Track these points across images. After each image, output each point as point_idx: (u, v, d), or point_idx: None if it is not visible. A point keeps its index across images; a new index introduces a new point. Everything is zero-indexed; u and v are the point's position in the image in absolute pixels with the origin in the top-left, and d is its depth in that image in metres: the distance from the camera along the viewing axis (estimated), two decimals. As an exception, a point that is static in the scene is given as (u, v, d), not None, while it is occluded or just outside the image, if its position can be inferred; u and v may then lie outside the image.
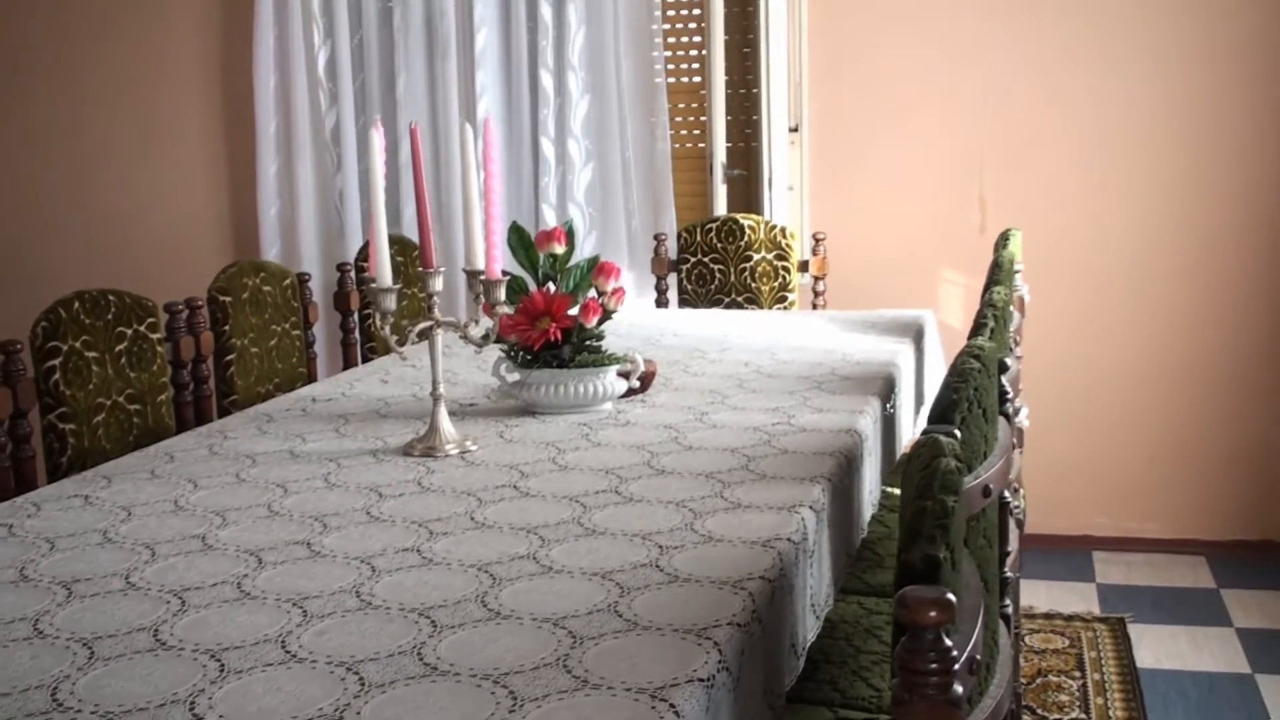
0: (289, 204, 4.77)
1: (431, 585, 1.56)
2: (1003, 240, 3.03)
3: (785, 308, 3.94)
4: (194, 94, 4.96)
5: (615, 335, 3.36)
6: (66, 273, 4.89)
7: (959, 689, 0.94)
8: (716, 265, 3.97)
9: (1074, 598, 4.00)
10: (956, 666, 0.94)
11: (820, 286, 3.99)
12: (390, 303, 2.13)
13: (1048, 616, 3.85)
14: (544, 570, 1.60)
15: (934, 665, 0.92)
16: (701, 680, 1.26)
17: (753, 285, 3.94)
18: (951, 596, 0.92)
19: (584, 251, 4.55)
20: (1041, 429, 4.27)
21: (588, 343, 2.47)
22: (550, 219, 4.53)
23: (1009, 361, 2.11)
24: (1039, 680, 3.41)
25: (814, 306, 3.98)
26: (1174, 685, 3.38)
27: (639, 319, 3.66)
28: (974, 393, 1.52)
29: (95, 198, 5.06)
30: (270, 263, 3.25)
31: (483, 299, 2.24)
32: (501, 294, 2.19)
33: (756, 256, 3.94)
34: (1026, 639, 3.67)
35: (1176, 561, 4.26)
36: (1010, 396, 1.84)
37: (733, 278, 3.95)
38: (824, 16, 4.36)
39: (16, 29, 5.02)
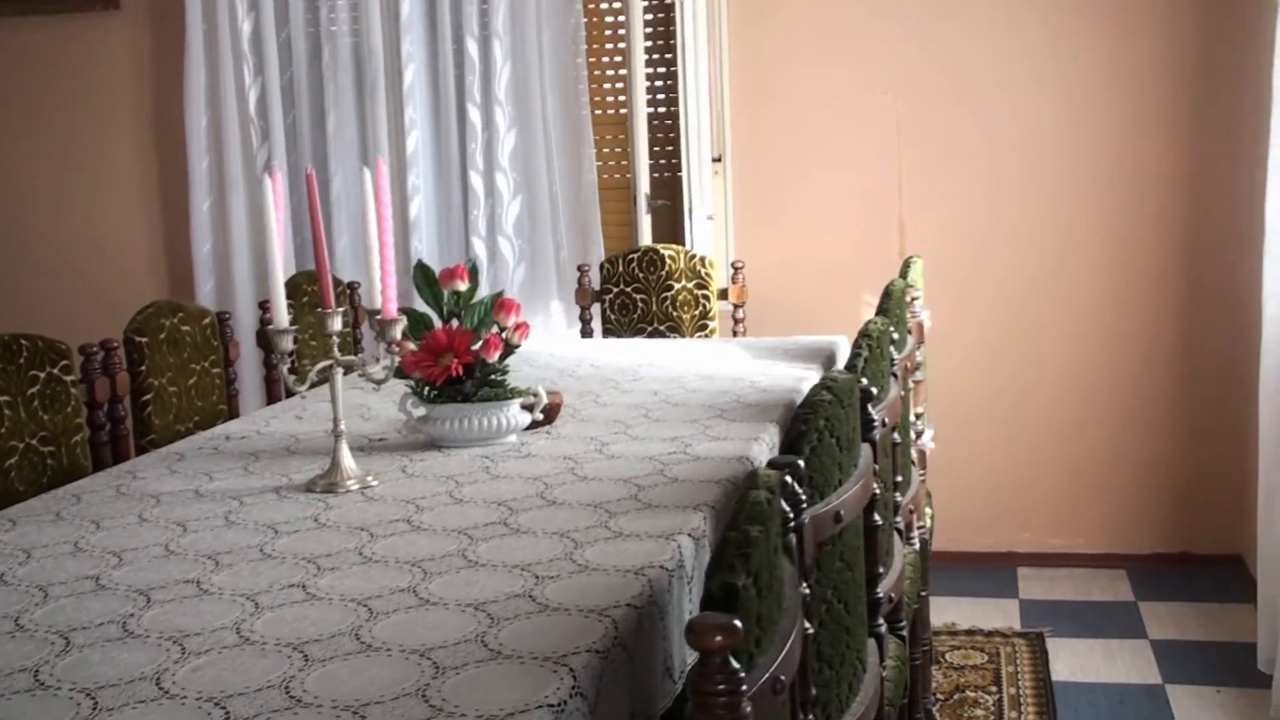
0: (222, 240, 4.82)
1: (310, 620, 1.62)
2: (904, 267, 3.11)
3: (706, 335, 4.02)
4: (126, 133, 5.00)
5: (534, 367, 3.43)
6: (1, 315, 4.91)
7: (747, 709, 1.00)
8: (639, 295, 4.05)
9: (997, 614, 4.08)
10: (745, 688, 1.00)
11: (740, 314, 4.07)
12: (287, 344, 2.19)
13: (969, 633, 3.93)
14: (421, 603, 1.66)
15: (722, 688, 0.99)
16: (552, 706, 1.32)
17: (674, 314, 4.02)
18: (738, 623, 0.98)
19: (515, 282, 4.62)
20: (964, 448, 4.36)
21: (491, 377, 2.54)
22: (480, 251, 4.59)
23: (892, 387, 2.19)
24: (956, 696, 3.49)
25: (734, 334, 4.06)
26: (1086, 697, 3.46)
27: (560, 350, 3.73)
28: (824, 423, 1.59)
29: (27, 241, 5.08)
30: (188, 303, 3.30)
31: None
32: (397, 332, 2.25)
33: (677, 286, 4.02)
34: (946, 655, 3.75)
35: (1098, 576, 4.35)
36: (877, 423, 1.91)
37: (654, 307, 4.03)
38: (744, 48, 4.46)
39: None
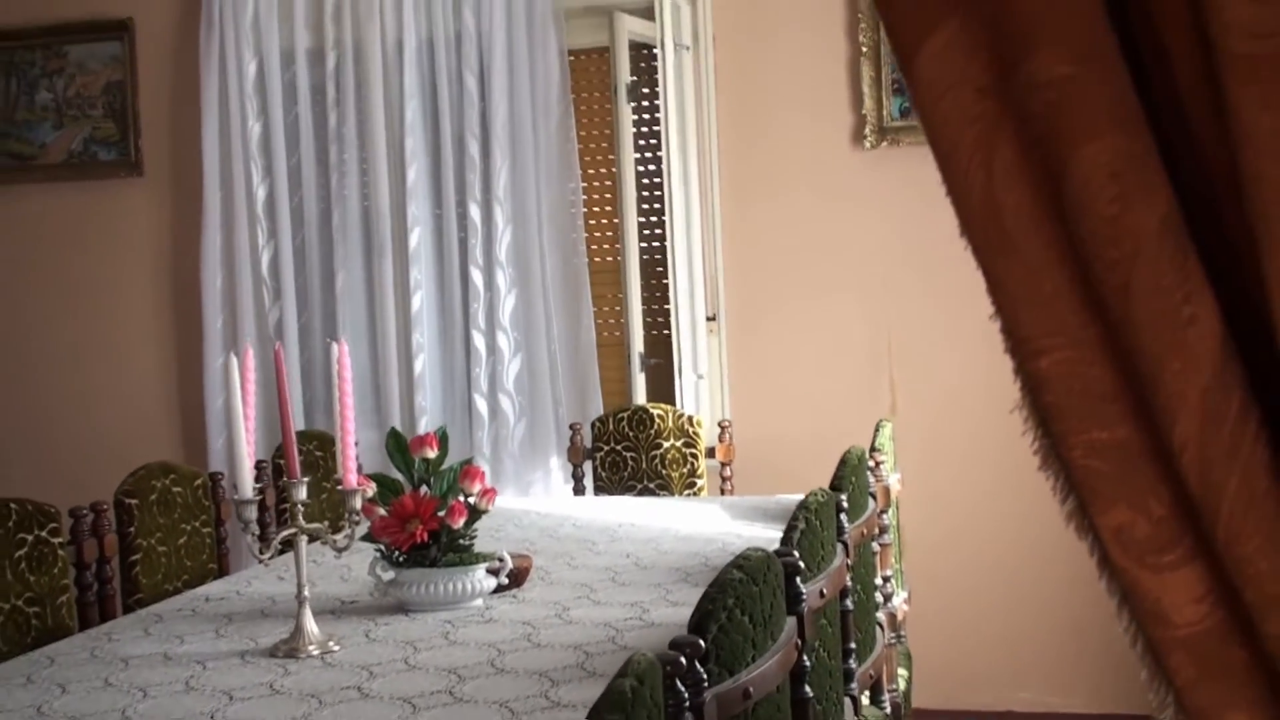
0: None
1: (240, 791, 1.67)
2: (876, 431, 3.19)
3: (694, 493, 4.09)
4: (145, 291, 5.19)
5: (518, 526, 3.51)
6: (15, 474, 5.05)
7: None
8: (629, 453, 4.13)
9: (991, 774, 4.04)
10: None
11: (727, 472, 4.14)
12: (251, 513, 2.29)
13: (961, 794, 3.89)
14: (350, 774, 1.72)
15: None
16: None
17: (663, 471, 4.09)
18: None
19: (515, 438, 4.72)
20: (961, 604, 4.37)
21: (456, 542, 2.61)
22: (482, 408, 4.70)
23: (837, 555, 2.25)
24: None
25: (722, 491, 4.12)
26: None
27: (547, 509, 3.80)
28: (734, 602, 1.65)
29: (46, 393, 5.24)
30: (180, 464, 3.41)
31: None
32: (357, 503, 2.34)
33: (666, 444, 4.10)
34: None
35: (1097, 735, 4.31)
36: (806, 596, 1.97)
37: (644, 465, 4.11)
38: (736, 213, 4.61)
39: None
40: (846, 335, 4.55)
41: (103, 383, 5.22)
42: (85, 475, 4.99)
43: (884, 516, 3.08)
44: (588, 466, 4.24)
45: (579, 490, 4.22)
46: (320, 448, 3.85)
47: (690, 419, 4.13)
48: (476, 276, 4.71)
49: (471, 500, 2.65)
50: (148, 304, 5.20)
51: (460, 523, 2.59)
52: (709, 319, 4.60)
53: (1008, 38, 0.66)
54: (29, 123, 5.17)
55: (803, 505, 2.18)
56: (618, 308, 4.82)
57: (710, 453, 4.13)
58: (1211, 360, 0.65)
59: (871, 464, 3.06)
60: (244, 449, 2.28)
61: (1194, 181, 0.67)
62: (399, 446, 2.72)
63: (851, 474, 2.58)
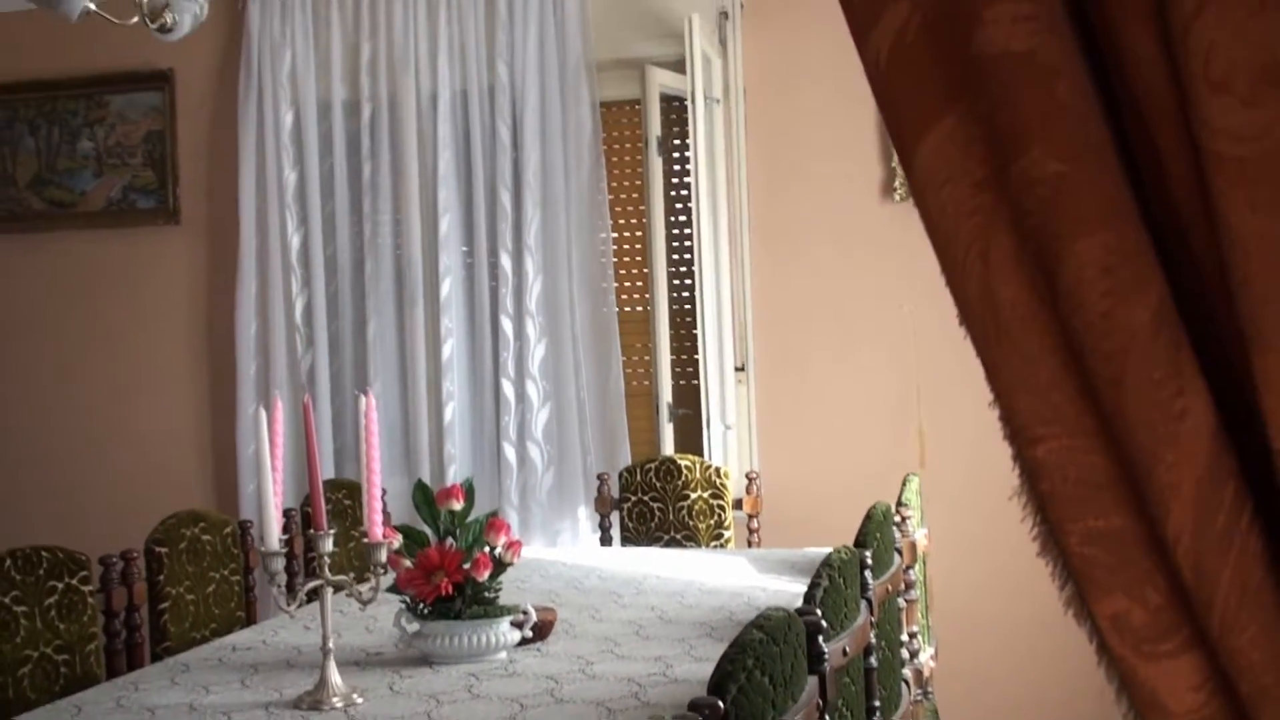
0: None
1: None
2: (903, 485, 3.18)
3: (721, 544, 4.09)
4: (181, 338, 5.26)
5: (544, 577, 3.51)
6: (51, 513, 5.11)
7: None
8: (655, 504, 4.14)
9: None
10: None
11: (755, 524, 4.13)
12: (278, 565, 2.31)
13: None
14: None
15: None
16: None
17: (690, 523, 4.09)
18: None
19: (544, 487, 4.74)
20: (989, 661, 4.33)
21: (481, 595, 2.62)
22: (511, 456, 4.72)
23: (861, 613, 2.24)
24: None
25: (749, 543, 4.12)
26: None
27: (574, 559, 3.81)
28: (754, 662, 1.65)
29: (81, 437, 5.30)
30: (210, 512, 3.44)
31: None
32: (382, 555, 2.36)
33: (693, 495, 4.10)
34: None
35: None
36: (828, 655, 1.97)
37: (671, 516, 4.11)
38: (766, 262, 4.63)
39: (16, 280, 5.37)
40: (875, 386, 4.55)
41: (137, 426, 5.27)
42: (119, 516, 5.05)
43: (910, 572, 3.07)
44: (615, 516, 4.24)
45: (606, 540, 4.23)
46: (349, 496, 3.88)
47: (718, 470, 4.13)
48: (507, 325, 4.74)
49: (497, 553, 2.66)
50: (183, 350, 5.26)
51: (485, 575, 2.60)
52: (737, 369, 4.61)
53: (1002, 134, 0.68)
54: (70, 171, 5.26)
55: (826, 563, 2.18)
56: (646, 357, 4.84)
57: (738, 504, 4.13)
58: (1204, 453, 0.66)
59: (898, 519, 3.06)
60: (271, 503, 2.30)
61: (1186, 274, 0.68)
62: (425, 498, 2.73)
63: (876, 529, 2.58)
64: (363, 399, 2.45)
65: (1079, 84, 0.66)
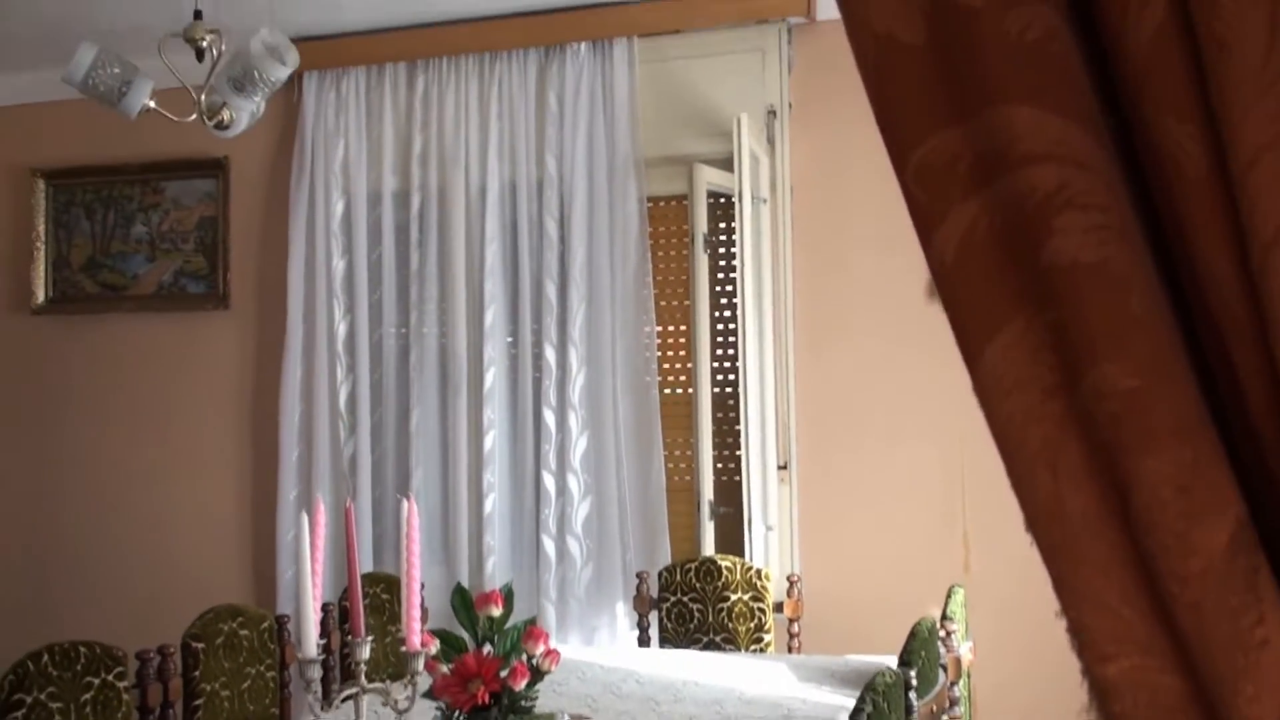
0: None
1: None
2: (946, 599, 3.12)
3: (761, 648, 4.02)
4: (227, 421, 5.29)
5: (581, 680, 3.47)
6: (92, 593, 5.12)
7: None
8: (695, 604, 4.09)
9: None
10: None
11: (795, 628, 4.07)
12: (314, 672, 2.28)
13: None
14: None
15: None
16: None
17: (730, 625, 4.04)
18: None
19: (582, 582, 4.69)
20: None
21: (518, 704, 2.58)
22: (550, 549, 4.69)
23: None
24: None
25: (790, 648, 4.05)
26: None
27: (611, 661, 3.76)
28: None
29: (122, 518, 5.33)
30: (248, 607, 3.43)
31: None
32: (420, 664, 2.33)
33: (733, 597, 4.05)
34: None
35: None
36: (872, 789, 1.92)
37: (710, 617, 4.06)
38: (810, 360, 4.60)
39: (67, 361, 5.43)
40: (920, 487, 4.49)
41: (180, 508, 5.30)
42: (159, 599, 5.09)
43: (955, 688, 3.00)
44: (653, 616, 4.19)
45: (644, 640, 4.17)
46: (387, 590, 3.86)
47: (759, 572, 4.08)
48: (549, 418, 4.74)
49: (534, 661, 2.63)
50: (228, 433, 5.29)
51: (522, 685, 2.56)
52: (780, 467, 4.57)
53: (1073, 344, 0.66)
54: (123, 254, 5.34)
55: (869, 687, 2.13)
56: (688, 452, 4.80)
57: (779, 607, 4.07)
58: (1286, 687, 0.63)
59: (942, 633, 3.00)
60: (310, 609, 2.28)
61: (1264, 490, 0.66)
62: (464, 603, 2.71)
63: (921, 647, 2.53)
64: (404, 503, 2.43)
65: (1151, 295, 0.65)
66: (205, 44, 3.15)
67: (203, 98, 3.18)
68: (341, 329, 5.01)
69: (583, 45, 4.77)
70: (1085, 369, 0.66)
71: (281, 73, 3.09)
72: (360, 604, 2.36)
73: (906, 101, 0.67)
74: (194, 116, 3.25)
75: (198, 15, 3.21)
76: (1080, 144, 0.64)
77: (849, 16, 0.69)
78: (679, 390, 4.85)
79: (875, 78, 0.68)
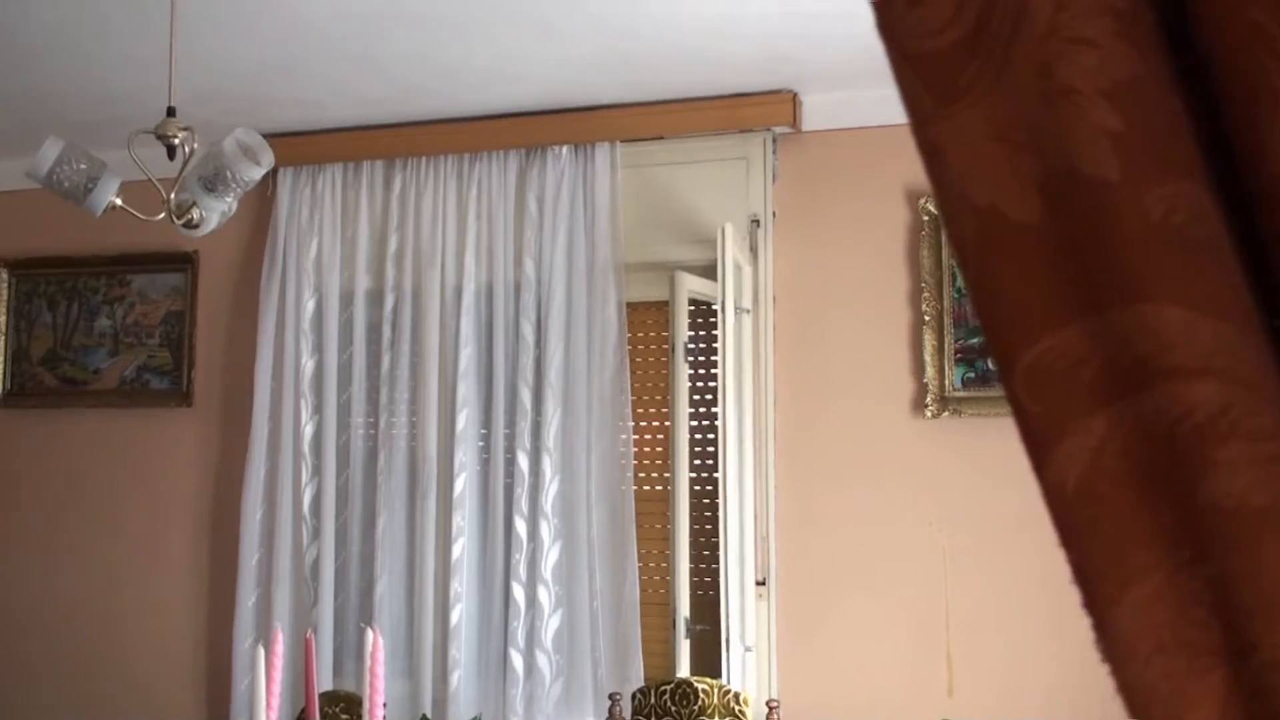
0: (265, 636, 4.80)
1: None
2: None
3: (738, 777, 3.85)
4: (185, 523, 5.12)
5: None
6: (29, 697, 4.90)
7: None
8: (670, 729, 3.92)
9: None
10: None
11: (774, 756, 3.90)
12: (266, 821, 2.12)
13: None
14: None
15: None
16: None
17: (705, 752, 3.87)
18: None
19: (551, 699, 4.51)
20: None
21: None
22: (518, 664, 4.52)
23: None
24: None
25: (769, 778, 3.88)
26: None
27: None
28: None
29: (74, 621, 5.12)
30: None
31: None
32: (381, 813, 2.17)
33: (710, 722, 3.89)
34: None
35: None
36: None
37: (686, 743, 3.89)
38: (790, 470, 4.49)
39: (24, 455, 5.25)
40: (902, 609, 4.35)
41: (133, 607, 5.11)
42: (106, 700, 4.88)
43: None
44: (626, 740, 4.02)
45: (615, 768, 3.99)
46: (347, 710, 3.67)
47: (737, 696, 3.92)
48: (520, 526, 4.59)
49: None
50: (186, 534, 5.12)
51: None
52: (758, 583, 4.43)
53: (1242, 608, 0.54)
54: (86, 348, 5.19)
55: None
56: (663, 564, 4.66)
57: (757, 734, 3.90)
58: None
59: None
60: (264, 751, 2.12)
61: None
62: (430, 737, 2.55)
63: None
64: (369, 632, 2.29)
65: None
66: (177, 141, 3.05)
67: (172, 196, 3.08)
68: (308, 429, 4.87)
69: (564, 148, 4.70)
70: (1261, 640, 0.54)
71: (255, 173, 2.98)
72: (319, 742, 2.20)
73: (1016, 292, 0.56)
74: (162, 215, 3.14)
75: (170, 112, 3.11)
76: (1243, 356, 0.53)
77: (939, 182, 0.58)
78: (655, 501, 4.71)
79: (975, 261, 0.56)
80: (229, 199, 3.00)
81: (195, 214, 3.10)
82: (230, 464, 5.02)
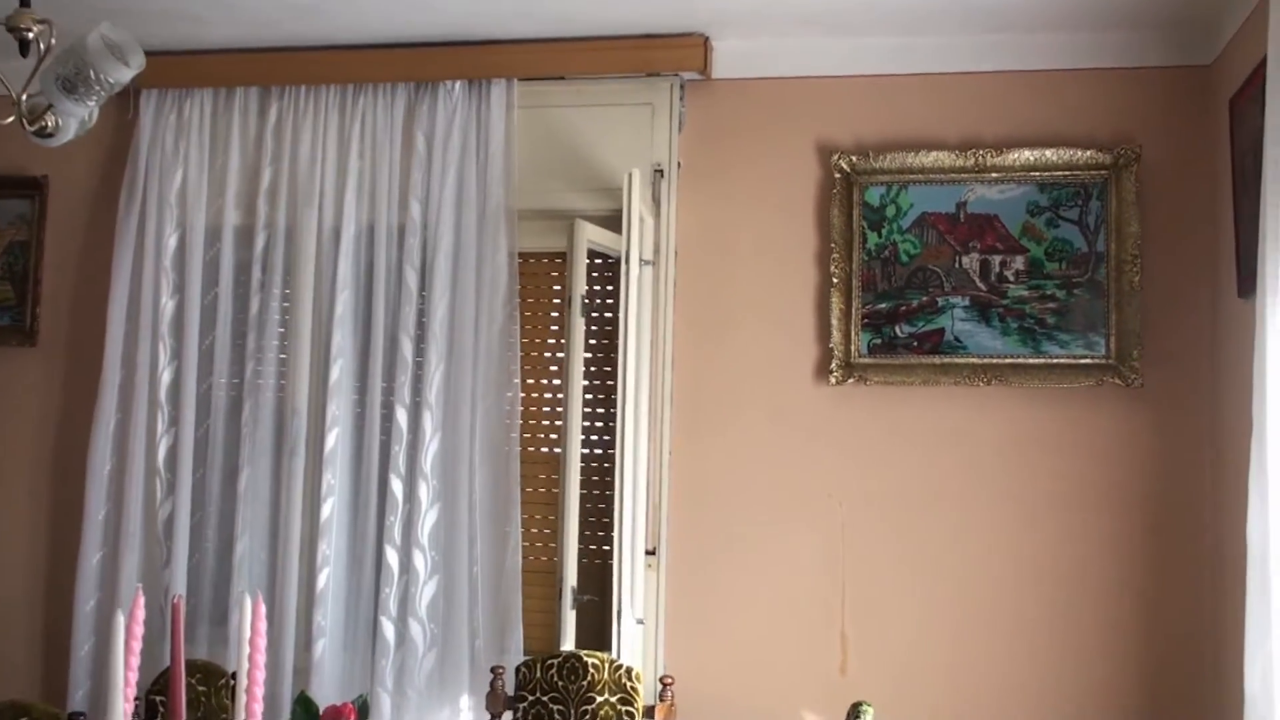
0: (108, 598, 4.41)
1: None
2: (852, 713, 2.80)
3: (628, 758, 3.63)
4: (22, 475, 4.69)
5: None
6: None
7: None
8: (556, 706, 3.67)
9: None
10: None
11: (667, 735, 3.69)
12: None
13: None
14: None
15: None
16: None
17: (594, 730, 3.64)
18: None
19: (423, 670, 4.23)
20: None
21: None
22: (389, 633, 4.23)
23: None
24: None
25: (659, 757, 3.67)
26: None
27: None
28: None
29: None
30: (37, 704, 2.90)
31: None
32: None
33: (599, 699, 3.65)
34: None
35: None
36: None
37: (573, 720, 3.65)
38: (688, 440, 4.27)
39: None
40: (798, 583, 4.18)
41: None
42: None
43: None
44: (508, 717, 3.76)
45: (496, 745, 3.73)
46: (204, 681, 3.35)
47: (629, 671, 3.69)
48: (396, 486, 4.29)
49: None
50: (24, 487, 4.69)
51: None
52: (648, 553, 4.21)
53: None
54: (-84, 278, 4.72)
55: None
56: (548, 530, 4.41)
57: (649, 711, 3.68)
58: None
59: (851, 758, 2.66)
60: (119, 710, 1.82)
61: None
62: (308, 714, 2.26)
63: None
64: (248, 600, 1.99)
65: None
66: (32, 35, 2.68)
67: (24, 97, 2.70)
68: (166, 376, 4.48)
69: (457, 84, 4.40)
70: None
71: (123, 75, 2.63)
72: (181, 701, 1.90)
73: None
74: (11, 119, 2.76)
75: (24, 2, 2.73)
76: None
77: None
78: (541, 465, 4.45)
79: None
80: (90, 102, 2.64)
81: (50, 120, 2.73)
82: (77, 410, 4.61)
